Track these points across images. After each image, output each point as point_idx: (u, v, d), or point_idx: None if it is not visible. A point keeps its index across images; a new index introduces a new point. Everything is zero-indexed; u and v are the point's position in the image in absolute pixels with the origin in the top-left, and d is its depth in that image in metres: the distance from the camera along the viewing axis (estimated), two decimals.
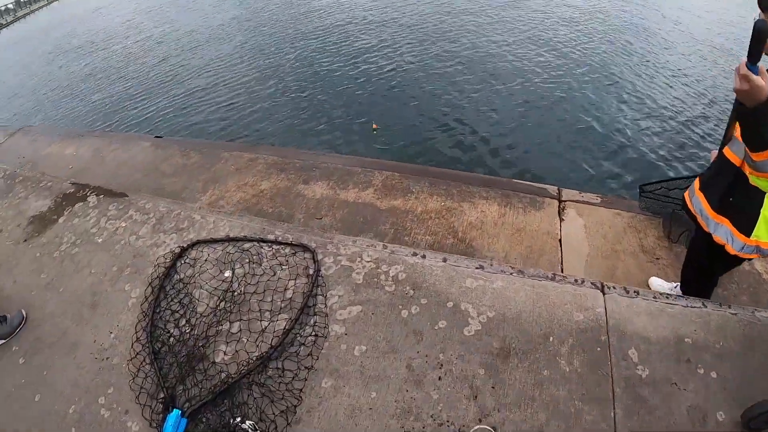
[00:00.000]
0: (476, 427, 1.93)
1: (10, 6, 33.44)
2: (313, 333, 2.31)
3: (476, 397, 2.03)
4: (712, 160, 2.20)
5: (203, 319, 2.45)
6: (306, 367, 2.18)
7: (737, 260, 2.13)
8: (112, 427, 2.18)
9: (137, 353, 2.35)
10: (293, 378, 2.15)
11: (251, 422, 2.01)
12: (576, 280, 2.48)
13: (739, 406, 1.89)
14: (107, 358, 2.40)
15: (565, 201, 3.64)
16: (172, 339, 2.41)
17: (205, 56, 12.70)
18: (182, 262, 2.73)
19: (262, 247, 2.74)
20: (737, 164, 1.90)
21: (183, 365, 2.31)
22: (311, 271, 2.58)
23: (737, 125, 1.85)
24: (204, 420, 2.11)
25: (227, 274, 2.63)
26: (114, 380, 2.31)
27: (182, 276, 2.65)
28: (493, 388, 2.05)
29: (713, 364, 2.06)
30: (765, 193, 1.85)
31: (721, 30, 10.90)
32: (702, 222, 2.15)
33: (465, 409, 1.99)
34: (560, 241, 3.27)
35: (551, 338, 2.21)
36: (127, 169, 4.60)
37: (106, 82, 12.56)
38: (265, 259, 2.67)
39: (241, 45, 13.07)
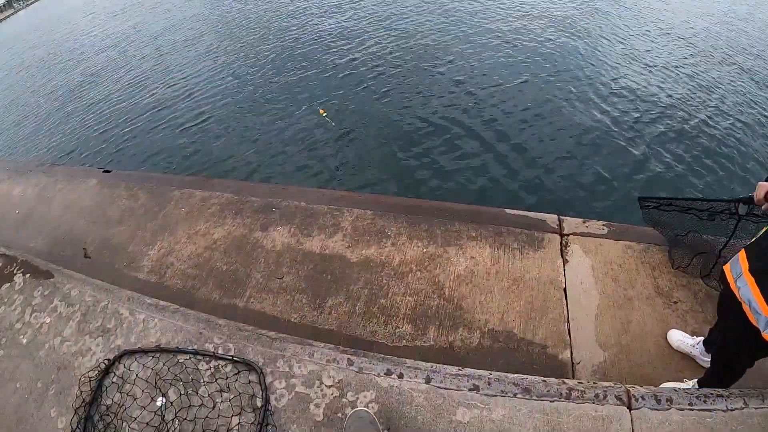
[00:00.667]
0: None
1: None
2: None
3: None
4: (757, 198, 1.94)
5: None
6: None
7: None
8: None
9: None
10: None
11: None
12: (597, 395, 1.99)
13: None
14: None
15: (567, 235, 3.08)
16: None
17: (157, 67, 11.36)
18: (109, 380, 2.41)
19: (199, 363, 2.38)
20: None
21: None
22: (258, 403, 2.23)
23: None
24: None
25: (159, 403, 2.30)
26: None
27: (109, 402, 2.34)
28: None
29: None
30: None
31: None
32: (750, 314, 1.74)
33: None
34: (565, 290, 2.79)
35: None
36: (73, 214, 4.19)
37: (56, 103, 11.32)
38: (202, 382, 2.31)
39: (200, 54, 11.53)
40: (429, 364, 2.21)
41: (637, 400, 1.97)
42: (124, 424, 2.28)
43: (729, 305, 1.87)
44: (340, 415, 2.10)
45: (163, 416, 2.26)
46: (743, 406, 1.91)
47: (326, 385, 2.21)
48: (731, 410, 1.90)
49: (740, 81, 7.05)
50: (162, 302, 2.68)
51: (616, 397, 1.99)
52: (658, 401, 1.96)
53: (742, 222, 2.41)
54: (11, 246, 3.84)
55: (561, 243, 3.06)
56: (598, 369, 2.46)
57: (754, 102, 6.49)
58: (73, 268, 3.45)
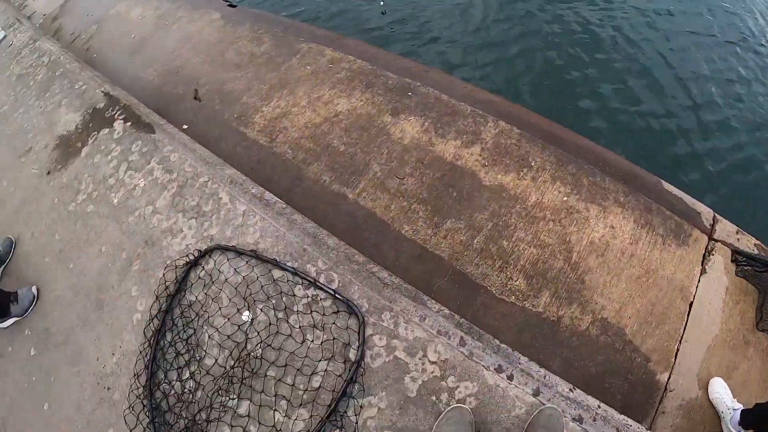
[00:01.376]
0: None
1: None
2: None
3: None
4: None
5: (209, 379, 1.95)
6: None
7: None
8: None
9: (136, 400, 1.99)
10: None
11: None
12: None
13: None
14: (108, 389, 2.11)
15: (716, 240, 2.45)
16: (174, 394, 1.98)
17: None
18: (196, 275, 2.12)
19: (296, 286, 2.00)
20: None
21: None
22: (351, 355, 1.84)
23: None
24: None
25: (245, 317, 1.99)
26: (113, 421, 2.05)
27: (193, 299, 2.08)
28: None
29: None
30: None
31: None
32: None
33: None
34: (691, 305, 2.28)
35: None
36: (190, 49, 3.76)
37: None
38: (296, 310, 1.95)
39: None
40: (543, 372, 1.78)
41: None
42: (204, 329, 2.03)
43: None
44: (434, 398, 1.74)
45: (247, 334, 1.97)
46: None
47: (429, 361, 1.81)
48: None
49: None
50: (269, 195, 2.30)
51: None
52: None
53: None
54: (122, 76, 3.62)
55: (706, 247, 2.43)
56: (686, 406, 2.13)
57: None
58: (180, 110, 3.16)
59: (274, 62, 3.41)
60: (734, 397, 2.06)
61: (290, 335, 1.93)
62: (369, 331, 1.89)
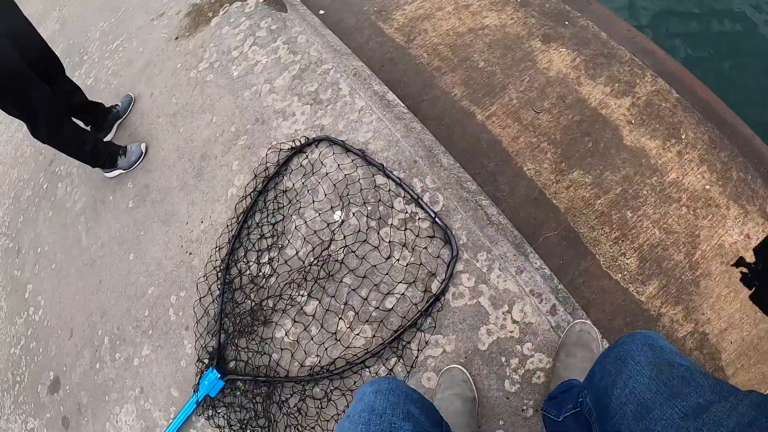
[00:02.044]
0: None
1: None
2: None
3: None
4: None
5: (285, 269, 1.91)
6: None
7: None
8: (174, 334, 2.14)
9: (212, 271, 2.03)
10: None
11: None
12: None
13: None
14: (190, 254, 2.18)
15: None
16: (248, 274, 1.98)
17: None
18: (298, 162, 2.06)
19: (396, 198, 1.86)
20: None
21: (246, 316, 1.92)
22: (434, 287, 1.69)
23: None
24: (238, 394, 1.90)
25: (336, 216, 1.90)
26: (188, 285, 2.14)
27: (289, 186, 2.03)
28: None
29: None
30: None
31: None
32: None
33: None
34: None
35: None
36: None
37: None
38: (390, 222, 1.83)
39: None
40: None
41: None
42: (293, 218, 1.99)
43: None
44: (503, 360, 1.58)
45: (334, 234, 1.89)
46: None
47: (512, 319, 1.63)
48: None
49: None
50: (391, 95, 2.18)
51: None
52: None
53: None
54: None
55: None
56: None
57: None
58: None
59: None
60: None
61: (377, 247, 1.83)
62: (459, 266, 1.74)
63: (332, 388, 1.73)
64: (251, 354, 1.91)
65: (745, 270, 2.03)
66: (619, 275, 2.01)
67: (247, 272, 2.01)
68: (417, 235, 1.82)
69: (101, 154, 2.50)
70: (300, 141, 2.11)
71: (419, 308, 1.72)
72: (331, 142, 2.07)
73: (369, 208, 1.90)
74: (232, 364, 1.94)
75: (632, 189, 2.15)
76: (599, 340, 1.49)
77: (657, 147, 2.23)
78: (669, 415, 0.69)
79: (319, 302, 1.84)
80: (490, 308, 1.67)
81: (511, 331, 1.62)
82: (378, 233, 1.86)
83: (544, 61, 2.49)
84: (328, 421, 1.70)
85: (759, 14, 4.03)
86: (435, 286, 1.74)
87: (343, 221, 1.92)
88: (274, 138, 2.20)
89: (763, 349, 1.89)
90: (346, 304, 1.82)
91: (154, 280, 2.25)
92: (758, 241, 2.05)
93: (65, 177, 2.91)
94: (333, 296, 1.84)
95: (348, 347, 1.75)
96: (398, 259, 1.81)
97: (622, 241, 2.09)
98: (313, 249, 1.93)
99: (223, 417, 1.86)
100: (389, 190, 1.90)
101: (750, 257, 2.03)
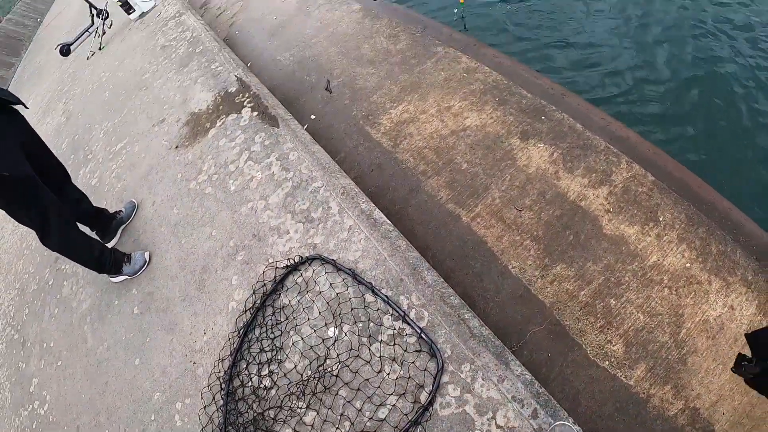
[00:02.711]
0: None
1: None
2: None
3: None
4: None
5: (285, 382, 2.13)
6: None
7: None
8: None
9: (216, 381, 2.23)
10: None
11: None
12: None
13: None
14: (194, 363, 2.37)
15: None
16: (250, 386, 2.19)
17: None
18: (293, 280, 2.31)
19: (384, 315, 2.11)
20: None
21: (249, 425, 2.12)
22: (422, 398, 1.92)
23: None
24: None
25: (330, 332, 2.14)
26: (192, 392, 2.31)
27: (286, 303, 2.27)
28: None
29: None
30: None
31: None
32: None
33: None
34: None
35: None
36: (326, 38, 4.02)
37: None
38: (380, 339, 2.07)
39: None
40: None
41: None
42: (291, 333, 2.21)
43: None
44: None
45: (329, 350, 2.11)
46: None
47: (497, 424, 1.83)
48: None
49: None
50: (378, 213, 2.45)
51: None
52: None
53: None
54: (260, 56, 3.90)
55: None
56: None
57: None
58: (310, 99, 3.39)
59: (408, 63, 3.55)
60: None
61: (369, 362, 2.06)
62: (445, 378, 1.97)
63: None
64: None
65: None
66: (607, 362, 2.21)
67: (249, 384, 2.21)
68: (405, 350, 2.05)
69: (107, 262, 2.71)
70: (294, 260, 2.36)
71: (410, 418, 1.92)
72: (324, 261, 2.33)
73: (360, 326, 2.13)
74: None
75: (614, 277, 2.39)
76: None
77: (636, 232, 2.50)
78: None
79: (317, 413, 2.03)
80: (476, 415, 1.87)
81: (494, 429, 1.82)
82: (369, 348, 2.09)
83: (524, 158, 2.78)
84: None
85: (728, 81, 4.40)
86: (423, 397, 1.95)
87: (337, 338, 2.15)
88: (270, 255, 2.44)
89: (756, 416, 2.06)
90: (342, 415, 2.01)
91: (159, 386, 2.43)
92: (737, 314, 2.29)
93: (71, 276, 3.10)
94: (330, 408, 2.03)
95: None
96: (389, 373, 2.03)
97: (608, 329, 2.29)
98: (310, 363, 2.14)
99: None
100: (378, 309, 2.14)
101: (737, 327, 2.24)
